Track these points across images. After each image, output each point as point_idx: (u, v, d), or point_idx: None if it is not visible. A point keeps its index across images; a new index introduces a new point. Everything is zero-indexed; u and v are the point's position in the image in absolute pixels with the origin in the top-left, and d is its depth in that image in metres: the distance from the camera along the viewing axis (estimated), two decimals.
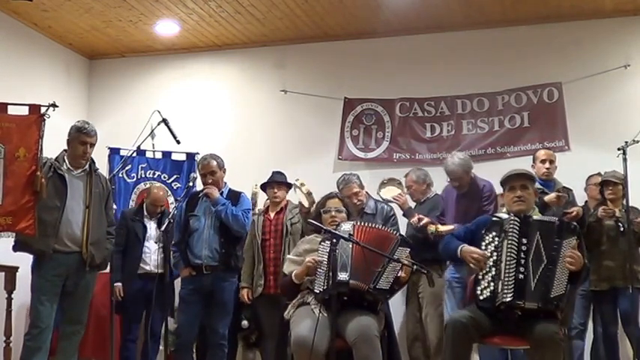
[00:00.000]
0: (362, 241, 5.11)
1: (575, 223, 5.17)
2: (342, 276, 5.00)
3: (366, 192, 7.25)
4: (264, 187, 7.22)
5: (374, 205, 7.11)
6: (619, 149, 6.47)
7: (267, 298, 6.90)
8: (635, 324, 6.77)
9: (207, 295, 6.48)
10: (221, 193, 6.65)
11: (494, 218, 5.20)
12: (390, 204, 7.37)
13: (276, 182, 7.13)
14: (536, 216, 5.22)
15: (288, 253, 6.03)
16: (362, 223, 5.40)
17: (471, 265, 5.06)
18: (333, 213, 5.50)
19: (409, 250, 5.33)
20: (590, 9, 8.17)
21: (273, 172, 7.22)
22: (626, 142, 6.51)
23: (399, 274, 5.18)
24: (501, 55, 8.55)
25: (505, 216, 5.15)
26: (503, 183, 5.37)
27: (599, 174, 7.30)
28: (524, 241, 4.94)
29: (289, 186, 7.21)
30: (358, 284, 5.06)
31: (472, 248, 5.06)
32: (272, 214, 7.15)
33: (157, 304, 7.02)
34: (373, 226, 5.40)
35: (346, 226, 5.25)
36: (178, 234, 6.67)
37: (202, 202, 6.63)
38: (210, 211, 6.56)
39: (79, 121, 6.19)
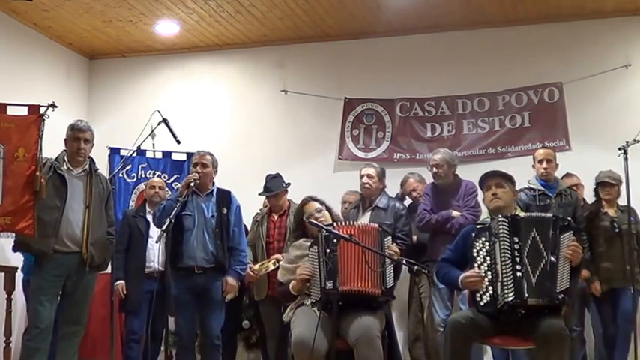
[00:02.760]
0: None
1: (569, 218, 5.20)
2: (329, 284, 5.04)
3: (382, 187, 7.23)
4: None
5: (387, 202, 7.08)
6: (620, 149, 6.53)
7: (269, 299, 6.87)
8: (634, 324, 6.80)
9: (199, 295, 6.44)
10: (210, 192, 6.60)
11: (478, 226, 5.21)
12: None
13: (273, 195, 7.10)
14: (522, 214, 5.24)
15: None
16: (340, 224, 5.48)
17: (474, 287, 5.04)
18: (316, 215, 5.52)
19: (390, 236, 5.51)
20: (591, 9, 8.17)
21: (267, 179, 7.14)
22: (627, 142, 6.56)
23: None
24: (502, 55, 8.55)
25: (489, 220, 5.17)
26: (480, 184, 5.46)
27: (567, 175, 7.31)
28: (516, 239, 4.94)
29: (286, 189, 7.18)
30: (353, 290, 5.10)
31: (468, 274, 5.04)
32: (275, 217, 7.11)
33: (159, 303, 7.00)
34: (351, 224, 5.51)
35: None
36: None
37: (192, 199, 6.54)
38: (201, 209, 6.53)
39: (73, 120, 6.20)
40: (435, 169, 7.07)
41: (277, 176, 7.13)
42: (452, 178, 7.09)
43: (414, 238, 7.09)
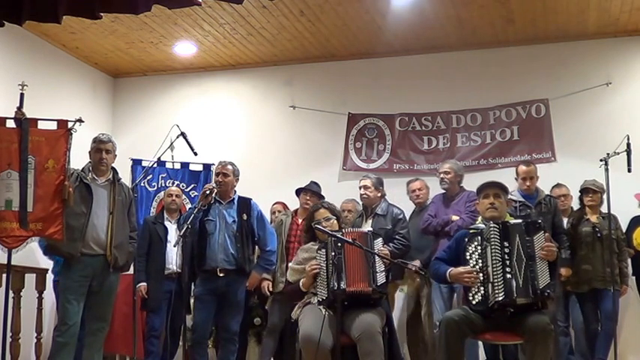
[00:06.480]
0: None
1: (539, 221, 5.21)
2: (335, 285, 5.07)
3: (381, 195, 7.24)
4: (298, 191, 7.19)
5: (385, 207, 7.10)
6: (601, 160, 6.54)
7: (279, 294, 6.85)
8: (615, 322, 6.80)
9: (220, 296, 6.45)
10: (231, 200, 6.62)
11: (471, 230, 5.21)
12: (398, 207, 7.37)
13: (311, 190, 7.12)
14: (512, 220, 5.26)
15: None
16: (347, 230, 5.58)
17: (465, 283, 5.06)
18: (324, 223, 5.50)
19: (381, 238, 5.57)
20: (575, 31, 8.19)
21: (311, 182, 7.22)
22: (608, 154, 6.56)
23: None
24: (493, 73, 8.56)
25: (482, 226, 5.17)
26: (479, 191, 5.45)
27: (557, 185, 7.35)
28: (506, 244, 4.97)
29: (320, 197, 7.13)
30: (357, 290, 5.13)
31: (459, 269, 5.06)
32: (300, 219, 7.07)
33: (177, 302, 7.01)
34: (348, 230, 5.59)
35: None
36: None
37: (215, 206, 6.57)
38: (223, 215, 6.54)
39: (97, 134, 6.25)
40: (442, 176, 7.16)
41: (319, 185, 7.24)
42: (457, 188, 7.15)
43: None
